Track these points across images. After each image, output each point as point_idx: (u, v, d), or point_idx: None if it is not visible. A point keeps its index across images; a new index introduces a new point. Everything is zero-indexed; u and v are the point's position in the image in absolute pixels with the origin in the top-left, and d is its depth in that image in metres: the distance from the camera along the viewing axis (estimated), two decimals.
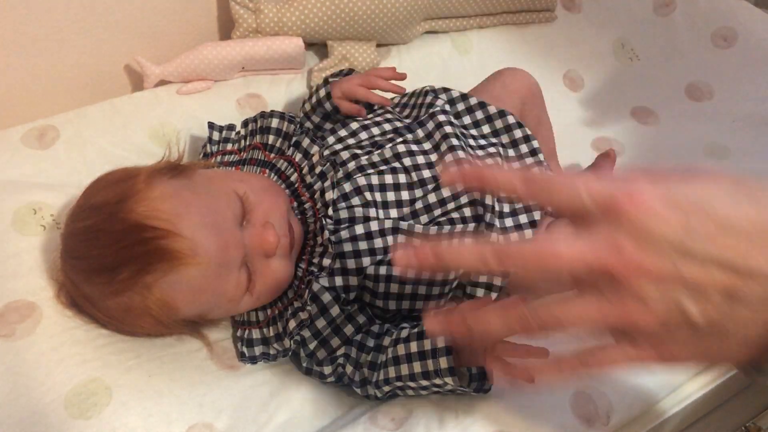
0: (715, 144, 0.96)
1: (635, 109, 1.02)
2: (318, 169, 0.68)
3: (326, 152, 0.70)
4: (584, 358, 0.39)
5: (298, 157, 0.70)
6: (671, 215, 0.34)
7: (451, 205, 0.68)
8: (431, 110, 0.75)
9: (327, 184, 0.66)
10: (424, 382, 0.60)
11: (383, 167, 0.69)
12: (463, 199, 0.68)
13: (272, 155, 0.72)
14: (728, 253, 0.33)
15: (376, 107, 0.79)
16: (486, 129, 0.77)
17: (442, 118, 0.73)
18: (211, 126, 0.77)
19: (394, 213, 0.67)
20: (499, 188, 0.38)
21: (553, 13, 1.04)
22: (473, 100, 0.77)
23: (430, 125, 0.73)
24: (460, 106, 0.77)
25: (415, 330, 0.62)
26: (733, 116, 1.00)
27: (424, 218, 0.68)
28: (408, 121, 0.76)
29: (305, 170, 0.69)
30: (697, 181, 0.36)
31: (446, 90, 0.78)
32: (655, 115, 1.02)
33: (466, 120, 0.77)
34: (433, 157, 0.70)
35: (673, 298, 0.34)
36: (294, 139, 0.70)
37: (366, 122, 0.76)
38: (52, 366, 0.60)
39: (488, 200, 0.68)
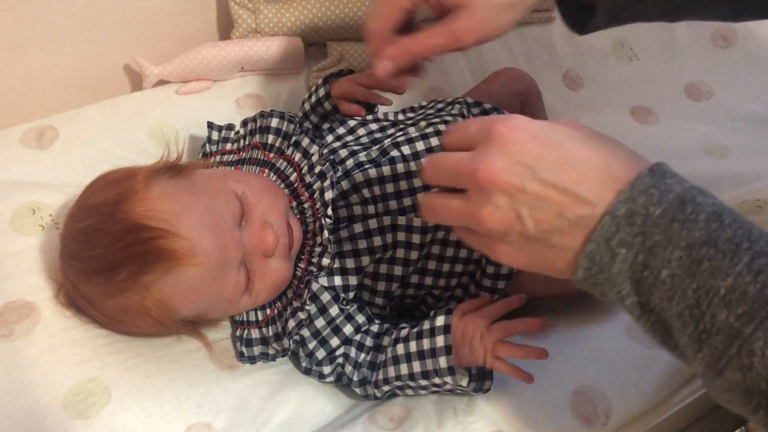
0: (714, 143, 0.96)
1: (635, 108, 1.02)
2: (317, 169, 0.68)
3: (325, 151, 0.70)
4: (458, 233, 0.49)
5: (297, 156, 0.70)
6: (532, 145, 0.43)
7: None
8: (440, 113, 0.74)
9: (327, 183, 0.66)
10: (424, 382, 0.60)
11: (381, 160, 0.69)
12: None
13: (271, 155, 0.72)
14: (566, 180, 0.42)
15: (375, 107, 0.79)
16: None
17: (449, 119, 0.73)
18: (210, 126, 0.77)
19: (393, 205, 0.67)
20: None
21: (552, 13, 1.04)
22: (487, 106, 0.77)
23: (436, 121, 0.73)
24: (475, 110, 0.77)
25: (415, 329, 0.62)
26: (732, 116, 1.00)
27: None
28: (411, 115, 0.76)
29: (305, 170, 0.69)
30: (561, 124, 0.46)
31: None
32: (655, 114, 1.02)
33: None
34: (434, 141, 0.69)
35: (516, 207, 0.43)
36: (293, 138, 0.70)
37: (365, 120, 0.76)
38: (51, 366, 0.60)
39: None
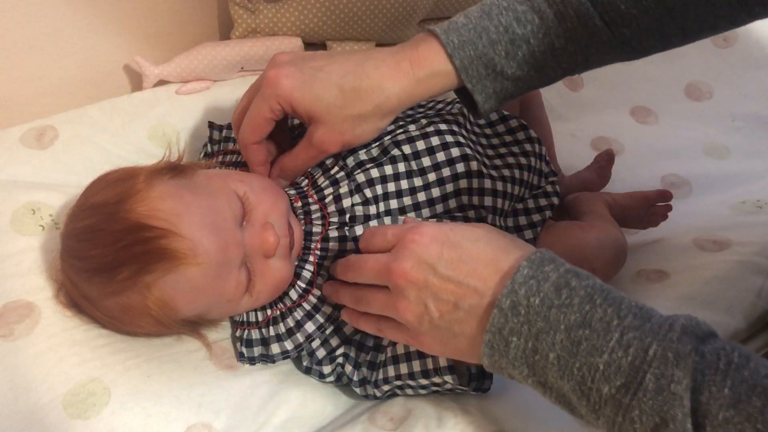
0: (714, 144, 0.96)
1: (634, 108, 1.02)
2: (334, 170, 0.68)
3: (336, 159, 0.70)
4: (379, 326, 0.58)
5: None
6: (433, 246, 0.51)
7: (452, 203, 0.68)
8: (440, 113, 0.74)
9: (343, 191, 0.66)
10: (424, 381, 0.60)
11: (382, 158, 0.69)
12: (465, 198, 0.68)
13: None
14: (460, 275, 0.50)
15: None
16: (500, 130, 0.77)
17: (449, 118, 0.73)
18: (211, 126, 0.77)
19: (394, 204, 0.67)
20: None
21: None
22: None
23: (437, 120, 0.73)
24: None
25: None
26: (732, 116, 1.00)
27: (426, 212, 0.68)
28: (411, 113, 0.76)
29: (317, 174, 0.69)
30: (461, 227, 0.54)
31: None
32: (655, 114, 1.02)
33: (481, 121, 0.77)
34: (435, 140, 0.69)
35: (423, 299, 0.51)
36: None
37: None
38: (51, 366, 0.60)
39: (488, 201, 0.68)
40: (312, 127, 0.63)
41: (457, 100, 0.76)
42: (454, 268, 0.50)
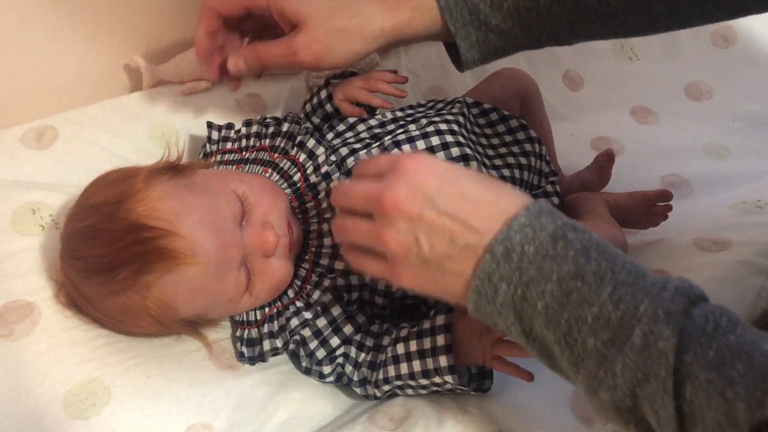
0: (714, 143, 0.96)
1: (635, 108, 1.02)
2: (324, 169, 0.68)
3: (329, 152, 0.70)
4: (354, 258, 0.53)
5: (302, 157, 0.70)
6: (433, 178, 0.48)
7: None
8: (440, 112, 0.74)
9: (333, 184, 0.66)
10: (424, 381, 0.60)
11: None
12: None
13: (276, 155, 0.72)
14: (460, 211, 0.47)
15: (377, 111, 0.79)
16: (500, 130, 0.77)
17: (449, 117, 0.73)
18: (210, 125, 0.77)
19: None
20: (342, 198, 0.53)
21: None
22: (487, 106, 0.78)
23: (437, 120, 0.73)
24: (474, 111, 0.77)
25: (415, 329, 0.62)
26: (732, 116, 1.00)
27: None
28: (411, 111, 0.76)
29: (309, 170, 0.69)
30: (459, 166, 0.52)
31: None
32: (655, 114, 1.02)
33: (481, 121, 0.77)
34: (435, 140, 0.69)
35: (414, 232, 0.48)
36: (298, 139, 0.70)
37: (365, 116, 0.76)
38: (51, 366, 0.60)
39: None
40: (295, 30, 0.62)
41: (458, 99, 0.76)
42: (454, 204, 0.47)
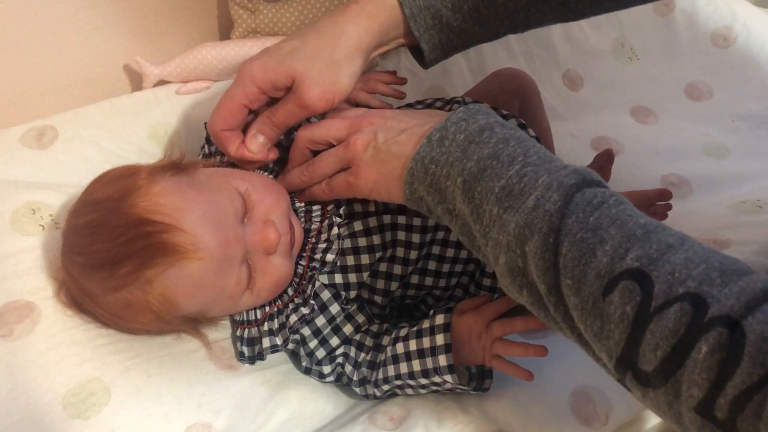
0: (714, 143, 0.96)
1: (634, 108, 1.02)
2: None
3: None
4: (328, 185, 0.62)
5: None
6: (379, 120, 0.59)
7: None
8: (437, 106, 0.75)
9: None
10: (424, 381, 0.60)
11: None
12: None
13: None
14: (414, 116, 0.59)
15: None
16: None
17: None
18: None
19: (393, 203, 0.67)
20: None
21: None
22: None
23: None
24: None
25: (414, 328, 0.62)
26: (732, 116, 1.00)
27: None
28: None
29: None
30: (395, 111, 0.63)
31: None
32: (655, 114, 1.02)
33: None
34: None
35: (373, 131, 0.58)
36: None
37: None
38: (51, 366, 0.60)
39: None
40: (295, 87, 0.62)
41: (457, 99, 0.76)
42: (411, 114, 0.60)
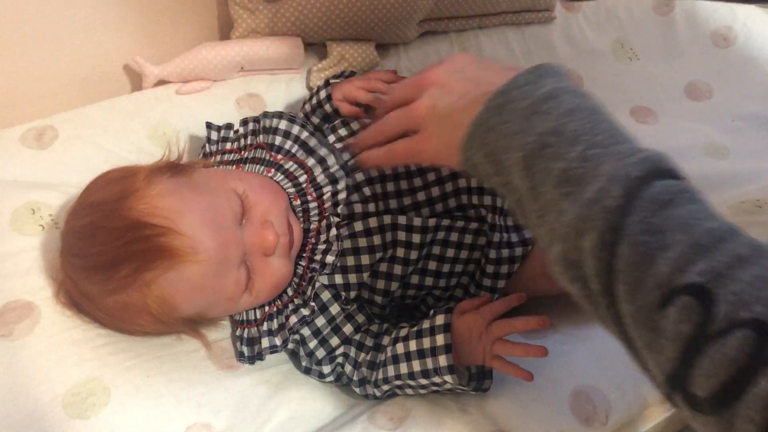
0: (714, 143, 0.96)
1: (634, 108, 1.02)
2: (333, 170, 0.68)
3: (335, 155, 0.70)
4: (390, 150, 0.58)
5: (311, 162, 0.70)
6: (442, 78, 0.56)
7: (452, 202, 0.68)
8: None
9: (341, 186, 0.66)
10: (424, 381, 0.60)
11: None
12: (464, 197, 0.68)
13: (279, 156, 0.72)
14: (479, 74, 0.54)
15: (377, 111, 0.79)
16: None
17: None
18: (209, 126, 0.77)
19: (394, 204, 0.67)
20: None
21: (552, 13, 1.04)
22: None
23: None
24: None
25: (414, 329, 0.62)
26: (732, 116, 1.00)
27: (425, 211, 0.68)
28: None
29: (317, 172, 0.69)
30: (460, 62, 0.57)
31: None
32: (655, 114, 1.02)
33: None
34: None
35: (438, 95, 0.55)
36: (310, 145, 0.71)
37: (367, 121, 0.76)
38: (51, 366, 0.60)
39: (488, 200, 0.68)
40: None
41: None
42: (475, 71, 0.55)
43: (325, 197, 0.68)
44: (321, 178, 0.69)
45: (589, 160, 0.44)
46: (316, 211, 0.68)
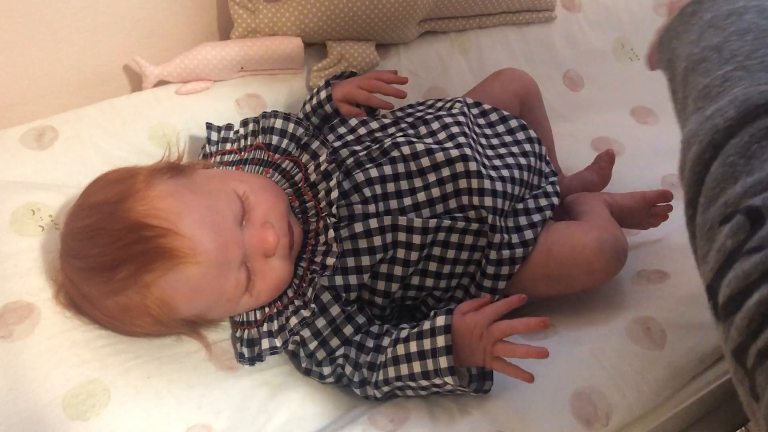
0: None
1: (635, 108, 1.02)
2: (323, 167, 0.68)
3: (330, 153, 0.70)
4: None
5: (305, 158, 0.70)
6: None
7: (452, 203, 0.68)
8: (439, 112, 0.75)
9: (332, 183, 0.66)
10: (424, 382, 0.60)
11: (382, 159, 0.69)
12: (465, 198, 0.68)
13: (276, 155, 0.72)
14: None
15: (377, 111, 0.79)
16: (500, 131, 0.77)
17: (448, 120, 0.73)
18: (209, 127, 0.77)
19: (394, 204, 0.67)
20: None
21: (553, 12, 1.04)
22: (487, 106, 0.78)
23: (435, 125, 0.73)
24: (474, 111, 0.77)
25: (415, 330, 0.62)
26: None
27: (426, 212, 0.68)
28: (410, 120, 0.76)
29: (310, 169, 0.69)
30: None
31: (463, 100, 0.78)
32: (655, 114, 1.02)
33: (481, 121, 0.77)
34: (434, 145, 0.70)
35: None
36: (303, 141, 0.70)
37: (366, 118, 0.76)
38: (51, 367, 0.60)
39: (488, 201, 0.68)
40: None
41: (458, 99, 0.76)
42: None
43: (320, 196, 0.68)
44: (314, 176, 0.69)
45: (729, 81, 0.45)
46: (313, 211, 0.68)
